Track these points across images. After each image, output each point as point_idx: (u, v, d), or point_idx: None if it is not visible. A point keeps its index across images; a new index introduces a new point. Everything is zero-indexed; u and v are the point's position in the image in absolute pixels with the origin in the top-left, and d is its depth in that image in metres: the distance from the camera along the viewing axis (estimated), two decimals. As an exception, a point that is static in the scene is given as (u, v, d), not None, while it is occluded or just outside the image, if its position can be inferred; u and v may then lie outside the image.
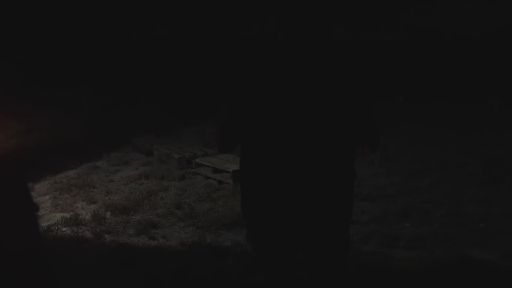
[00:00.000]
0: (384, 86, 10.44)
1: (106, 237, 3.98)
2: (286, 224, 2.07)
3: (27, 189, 3.00)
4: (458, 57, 11.34)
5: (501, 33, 10.92)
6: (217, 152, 6.17)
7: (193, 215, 4.38)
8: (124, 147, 7.18)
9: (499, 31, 10.93)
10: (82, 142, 7.15)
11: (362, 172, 5.58)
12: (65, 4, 10.47)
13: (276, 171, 2.01)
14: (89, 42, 10.80)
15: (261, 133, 2.01)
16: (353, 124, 2.04)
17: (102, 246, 3.81)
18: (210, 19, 11.24)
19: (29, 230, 2.86)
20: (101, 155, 6.73)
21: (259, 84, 1.99)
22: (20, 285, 2.44)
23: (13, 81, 9.55)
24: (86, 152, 6.74)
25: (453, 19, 11.31)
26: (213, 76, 9.10)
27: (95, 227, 4.15)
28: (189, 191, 5.08)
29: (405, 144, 7.10)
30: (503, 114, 9.10)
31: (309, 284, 2.23)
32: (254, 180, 2.09)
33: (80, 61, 10.35)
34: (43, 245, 3.60)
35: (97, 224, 4.24)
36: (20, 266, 2.56)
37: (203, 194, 4.97)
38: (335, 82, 1.99)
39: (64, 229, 4.22)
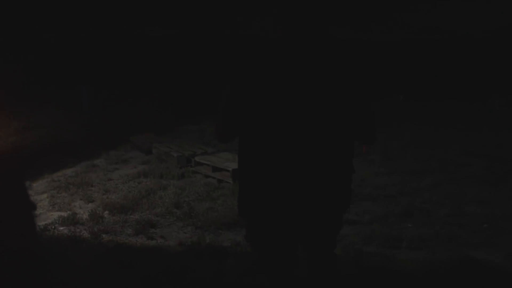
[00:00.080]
0: (385, 85, 10.41)
1: (104, 236, 3.93)
2: (285, 219, 2.07)
3: (25, 188, 2.95)
4: (459, 56, 11.31)
5: (502, 33, 10.89)
6: (217, 151, 6.13)
7: (192, 215, 4.32)
8: (123, 145, 7.14)
9: (499, 31, 10.89)
10: (81, 140, 7.10)
11: (362, 171, 5.55)
12: (65, 4, 10.42)
13: (275, 166, 2.01)
14: (89, 41, 10.75)
15: (259, 128, 2.01)
16: (352, 119, 2.04)
17: (100, 246, 3.75)
18: (210, 18, 11.19)
19: (26, 229, 2.81)
20: (100, 153, 6.69)
21: (258, 79, 2.00)
22: (16, 285, 2.39)
23: (13, 81, 9.51)
24: (84, 150, 6.69)
25: (454, 18, 11.28)
26: (213, 75, 9.05)
27: (92, 226, 4.09)
28: (188, 190, 5.02)
29: (405, 143, 7.07)
30: (504, 114, 9.06)
31: (309, 282, 2.23)
32: (252, 177, 2.08)
33: (80, 61, 10.31)
34: (40, 244, 3.55)
35: (95, 223, 4.18)
36: (16, 265, 2.51)
37: (202, 193, 4.91)
38: (334, 78, 2.00)
39: (61, 228, 4.16)
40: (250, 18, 10.52)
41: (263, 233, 2.13)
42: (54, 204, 4.78)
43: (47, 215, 4.53)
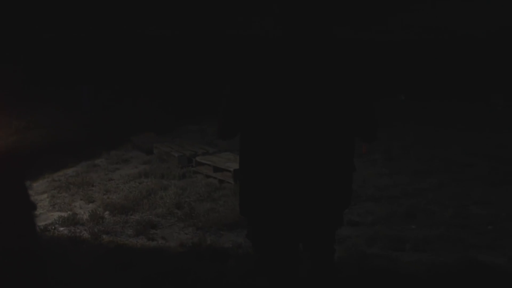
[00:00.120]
0: (387, 85, 10.36)
1: (104, 237, 3.89)
2: (286, 217, 2.07)
3: (25, 188, 2.92)
4: (460, 56, 11.27)
5: (503, 33, 10.84)
6: (218, 151, 6.08)
7: (193, 215, 4.28)
8: (124, 145, 7.09)
9: (501, 31, 10.84)
10: (82, 140, 7.06)
11: (365, 172, 5.51)
12: (65, 4, 10.39)
13: (276, 165, 2.01)
14: (89, 41, 10.73)
15: (259, 126, 2.01)
16: (353, 116, 2.03)
17: (100, 247, 3.71)
18: (210, 18, 11.16)
19: (26, 229, 2.77)
20: (100, 153, 6.64)
21: (259, 78, 1.99)
22: (16, 286, 2.35)
23: (14, 81, 9.48)
24: (85, 150, 6.65)
25: (455, 18, 11.23)
26: (214, 74, 9.01)
27: (93, 227, 4.06)
28: (190, 190, 4.98)
29: (408, 143, 7.02)
30: (506, 114, 9.01)
31: (308, 281, 2.22)
32: (253, 175, 2.08)
33: (80, 61, 10.29)
34: (40, 245, 3.51)
35: (95, 224, 4.14)
36: (15, 266, 2.48)
37: (203, 193, 4.87)
38: (334, 77, 1.99)
39: (62, 229, 4.12)
40: (251, 18, 10.49)
41: (265, 231, 2.12)
42: (55, 204, 4.75)
43: (47, 215, 4.49)
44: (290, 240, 2.15)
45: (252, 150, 2.06)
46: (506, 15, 10.61)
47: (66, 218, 4.25)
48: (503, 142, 6.77)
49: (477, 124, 8.14)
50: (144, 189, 4.96)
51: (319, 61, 2.00)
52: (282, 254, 2.16)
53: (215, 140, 7.19)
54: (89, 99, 9.28)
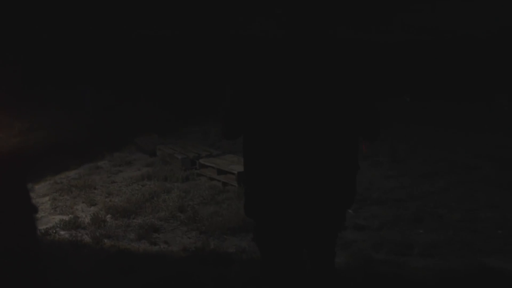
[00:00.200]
0: (391, 86, 10.29)
1: (106, 241, 3.83)
2: (291, 217, 2.06)
3: (27, 190, 2.87)
4: (465, 56, 11.18)
5: (506, 33, 10.75)
6: (221, 153, 6.03)
7: (197, 219, 4.21)
8: (127, 147, 7.05)
9: (504, 30, 10.75)
10: (84, 141, 7.01)
11: (370, 174, 5.43)
12: (66, 4, 10.36)
13: (279, 165, 2.01)
14: (91, 42, 10.69)
15: (263, 127, 2.01)
16: (355, 115, 2.04)
17: (101, 252, 3.65)
18: (212, 18, 11.10)
19: (27, 232, 2.71)
20: (103, 155, 6.60)
21: (261, 78, 1.99)
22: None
23: (16, 82, 9.44)
24: (88, 152, 6.60)
25: (457, 18, 11.15)
26: (216, 75, 8.96)
27: (94, 231, 4.00)
28: (193, 193, 4.92)
29: (413, 145, 6.94)
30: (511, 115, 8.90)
31: (310, 282, 2.22)
32: (258, 176, 2.07)
33: (82, 61, 10.25)
34: (40, 249, 3.46)
35: (97, 227, 4.08)
36: (15, 270, 2.42)
37: (207, 196, 4.80)
38: (337, 76, 1.99)
39: (63, 232, 4.07)
40: (253, 18, 10.43)
41: (271, 232, 2.11)
42: (56, 207, 4.70)
43: (49, 218, 4.44)
44: (295, 241, 2.14)
45: (256, 151, 2.06)
46: (508, 15, 10.52)
47: (68, 221, 4.20)
48: (509, 143, 6.68)
49: (482, 125, 8.05)
50: (147, 192, 4.90)
51: (322, 62, 2.00)
52: (287, 257, 2.15)
53: (218, 141, 7.14)
54: (91, 99, 9.24)
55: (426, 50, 11.33)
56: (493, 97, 9.93)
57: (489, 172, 5.52)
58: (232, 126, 2.11)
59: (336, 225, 2.19)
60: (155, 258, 3.55)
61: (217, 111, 2.12)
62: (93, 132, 7.59)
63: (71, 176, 5.77)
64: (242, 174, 5.02)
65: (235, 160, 5.50)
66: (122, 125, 7.99)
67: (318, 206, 2.04)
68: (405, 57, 11.15)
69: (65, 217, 4.34)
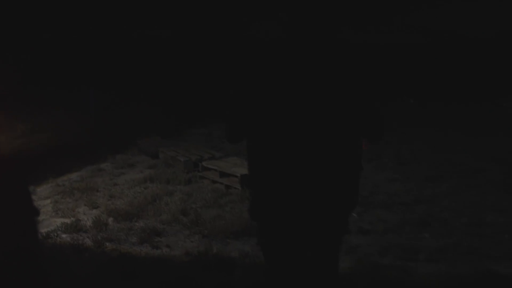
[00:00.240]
0: (395, 88, 10.24)
1: (107, 245, 3.78)
2: (297, 220, 2.05)
3: (29, 193, 2.82)
4: (470, 59, 11.12)
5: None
6: (224, 155, 5.98)
7: (199, 222, 4.16)
8: (130, 149, 7.00)
9: (509, 31, 10.69)
10: (87, 143, 6.97)
11: (375, 177, 5.38)
12: (70, 5, 10.34)
13: (285, 167, 2.00)
14: (94, 43, 10.67)
15: (267, 129, 2.01)
16: (358, 118, 2.03)
17: (103, 255, 3.61)
18: (216, 19, 11.07)
19: (28, 236, 2.67)
20: (106, 157, 6.56)
21: (265, 80, 1.99)
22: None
23: (18, 83, 9.42)
24: (90, 154, 6.57)
25: (463, 20, 11.09)
26: (219, 77, 8.92)
27: (96, 234, 3.95)
28: (195, 196, 4.87)
29: (418, 147, 6.88)
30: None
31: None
32: (262, 179, 2.06)
33: (85, 62, 10.22)
34: (41, 253, 3.42)
35: (99, 231, 4.04)
36: (15, 273, 2.38)
37: (209, 199, 4.75)
38: (339, 79, 1.98)
39: (64, 235, 4.02)
40: (256, 19, 10.39)
41: (275, 235, 2.10)
42: (58, 210, 4.66)
43: (50, 221, 4.40)
44: (300, 244, 2.12)
45: (261, 153, 2.05)
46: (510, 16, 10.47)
47: (69, 224, 4.16)
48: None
49: (489, 127, 7.98)
50: (149, 195, 4.85)
51: (325, 64, 1.99)
52: (292, 261, 2.13)
53: (221, 143, 7.09)
54: (94, 101, 9.22)
55: (433, 53, 11.28)
56: (501, 100, 9.86)
57: (495, 175, 5.45)
58: (236, 128, 2.11)
59: (340, 228, 2.16)
60: (157, 262, 3.51)
61: (219, 113, 2.10)
62: (95, 134, 7.56)
63: (73, 178, 5.73)
64: (245, 177, 5.01)
65: (238, 162, 5.45)
66: (124, 127, 7.95)
67: (323, 207, 2.03)
68: (414, 59, 11.10)
69: (67, 220, 4.30)
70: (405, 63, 11.03)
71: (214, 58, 10.53)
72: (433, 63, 11.18)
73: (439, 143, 7.08)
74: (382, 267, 3.23)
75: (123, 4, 10.36)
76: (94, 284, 3.20)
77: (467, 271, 3.19)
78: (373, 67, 2.12)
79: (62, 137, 7.50)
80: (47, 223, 4.33)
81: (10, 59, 8.85)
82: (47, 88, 9.35)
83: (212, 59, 10.55)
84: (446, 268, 3.26)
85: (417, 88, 10.84)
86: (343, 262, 3.26)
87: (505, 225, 3.98)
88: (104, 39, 10.48)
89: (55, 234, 4.03)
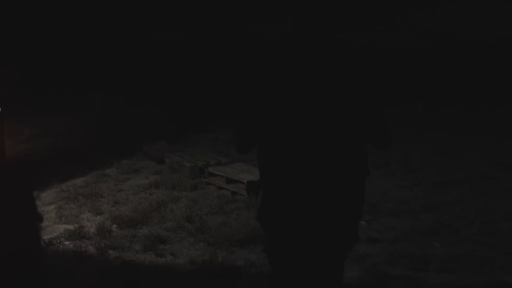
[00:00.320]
0: (404, 93, 10.16)
1: (111, 253, 3.72)
2: (306, 229, 2.03)
3: (33, 199, 2.77)
4: (479, 63, 11.02)
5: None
6: (231, 161, 5.91)
7: (205, 230, 4.09)
8: (135, 154, 6.94)
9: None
10: (92, 148, 6.94)
11: (384, 184, 5.28)
12: (75, 7, 10.35)
13: (295, 172, 1.99)
14: (101, 47, 10.67)
15: (278, 137, 2.00)
16: (366, 123, 2.02)
17: (106, 263, 3.55)
18: (222, 22, 11.04)
19: (31, 243, 2.62)
20: (111, 162, 6.50)
21: (275, 85, 1.98)
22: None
23: (25, 87, 9.43)
24: (95, 158, 6.51)
25: (473, 23, 11.00)
26: (227, 81, 8.87)
27: (99, 241, 3.90)
28: (201, 202, 4.81)
29: (428, 153, 6.77)
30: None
31: None
32: (274, 186, 2.04)
33: (91, 66, 10.22)
34: (44, 260, 3.37)
35: (102, 238, 3.98)
36: (17, 279, 2.33)
37: (215, 206, 4.68)
38: (348, 83, 1.98)
39: (67, 243, 3.97)
40: (263, 23, 10.35)
41: (283, 242, 2.06)
42: (61, 216, 4.60)
43: (53, 227, 4.35)
44: (308, 252, 2.08)
45: (272, 160, 2.04)
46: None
47: (73, 231, 4.11)
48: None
49: (499, 132, 7.85)
50: (154, 201, 4.79)
51: (333, 69, 1.99)
52: (298, 269, 2.10)
53: (227, 149, 7.02)
54: (100, 105, 9.20)
55: (443, 57, 11.20)
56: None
57: (506, 181, 5.34)
58: (247, 139, 2.10)
59: (349, 236, 2.12)
60: (161, 270, 3.44)
61: (226, 118, 2.08)
62: (101, 138, 7.52)
63: (77, 183, 5.68)
64: (251, 183, 4.94)
65: (244, 168, 5.38)
66: (130, 131, 7.91)
67: (332, 213, 2.01)
68: (423, 63, 11.02)
69: (70, 227, 4.25)
70: (415, 68, 10.95)
71: (221, 63, 10.49)
72: (443, 67, 11.10)
73: (449, 149, 6.96)
74: (391, 277, 3.15)
75: (132, 7, 10.35)
76: (97, 293, 3.14)
77: (479, 282, 3.10)
78: (378, 70, 2.08)
79: (67, 142, 7.48)
80: (50, 230, 4.28)
81: (19, 64, 8.86)
82: (51, 91, 9.35)
83: (219, 64, 10.51)
84: (458, 279, 3.18)
85: (426, 93, 10.74)
86: (352, 272, 3.19)
87: (518, 234, 3.88)
88: (112, 42, 10.48)
89: (58, 241, 3.98)
